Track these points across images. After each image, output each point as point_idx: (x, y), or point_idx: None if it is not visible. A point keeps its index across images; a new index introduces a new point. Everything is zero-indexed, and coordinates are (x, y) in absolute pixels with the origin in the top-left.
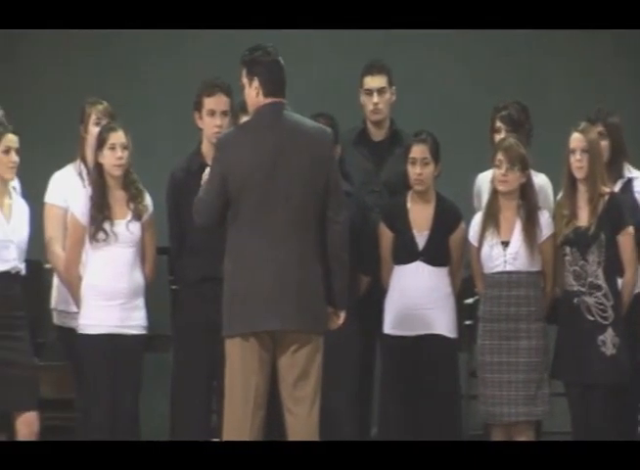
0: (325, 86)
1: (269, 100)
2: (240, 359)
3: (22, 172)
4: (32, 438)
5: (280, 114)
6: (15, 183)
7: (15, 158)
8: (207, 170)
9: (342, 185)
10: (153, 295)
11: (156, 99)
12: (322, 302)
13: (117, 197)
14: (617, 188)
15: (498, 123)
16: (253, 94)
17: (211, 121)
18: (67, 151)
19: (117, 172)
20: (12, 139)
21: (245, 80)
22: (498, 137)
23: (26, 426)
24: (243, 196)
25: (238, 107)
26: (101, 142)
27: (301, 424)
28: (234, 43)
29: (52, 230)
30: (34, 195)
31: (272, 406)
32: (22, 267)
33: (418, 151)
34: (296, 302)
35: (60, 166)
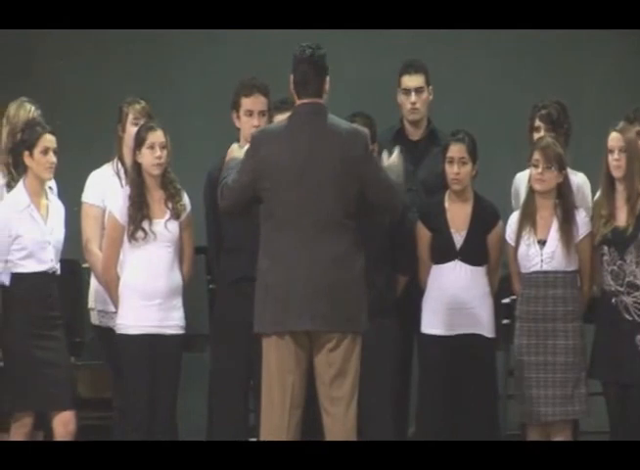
0: (362, 86)
1: (306, 100)
2: (276, 358)
3: (56, 172)
4: (69, 437)
5: (315, 114)
6: (51, 183)
7: (53, 158)
8: (234, 154)
9: (387, 177)
10: (190, 294)
11: (192, 98)
12: (357, 302)
13: (156, 196)
14: None
15: (537, 122)
16: (293, 91)
17: (249, 121)
18: (100, 151)
19: (156, 172)
20: (50, 139)
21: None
22: (536, 136)
23: (63, 425)
24: (275, 195)
25: (274, 106)
26: (139, 141)
27: (338, 424)
28: (269, 43)
29: (89, 230)
30: (69, 195)
31: (310, 406)
32: (57, 267)
33: (455, 150)
34: (330, 302)
35: (93, 167)
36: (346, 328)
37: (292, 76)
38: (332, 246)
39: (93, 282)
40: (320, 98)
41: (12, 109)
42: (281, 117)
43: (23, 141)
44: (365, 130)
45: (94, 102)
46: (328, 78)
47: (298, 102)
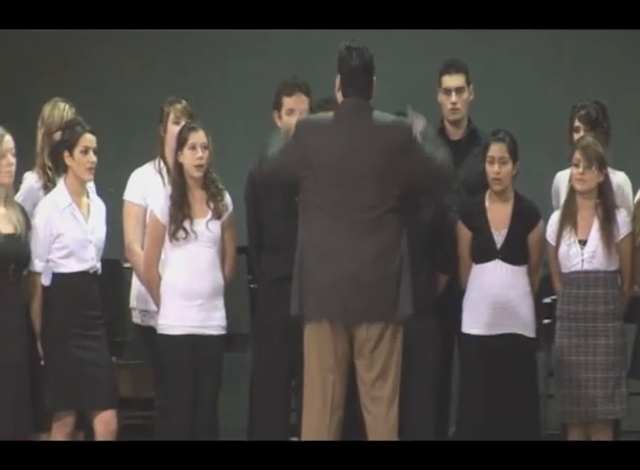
0: (403, 86)
1: (350, 98)
2: (317, 356)
3: (96, 171)
4: (110, 437)
5: (360, 109)
6: (91, 182)
7: (93, 158)
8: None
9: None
10: (231, 294)
11: (233, 98)
12: (398, 294)
13: (197, 196)
14: None
15: (577, 123)
16: (337, 89)
17: (290, 120)
18: (141, 150)
19: (198, 173)
20: (90, 139)
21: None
22: (577, 136)
23: (104, 425)
24: (315, 185)
25: (314, 104)
26: (181, 142)
27: (380, 424)
28: (311, 42)
29: (131, 228)
30: (108, 193)
31: (351, 405)
32: (99, 267)
33: (496, 150)
34: (371, 297)
35: (132, 166)
36: (388, 319)
37: (338, 76)
38: (375, 240)
39: (135, 281)
40: (367, 99)
41: (46, 110)
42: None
43: (64, 141)
44: (408, 121)
45: (136, 101)
46: (375, 80)
47: (345, 99)
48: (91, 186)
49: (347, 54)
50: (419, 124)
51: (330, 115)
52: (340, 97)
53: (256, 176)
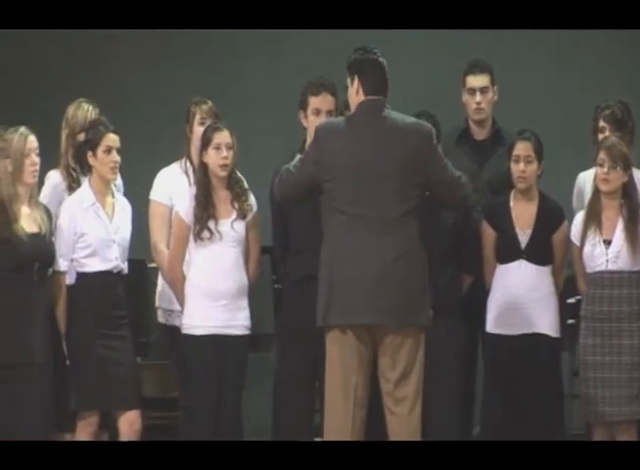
0: (427, 85)
1: (369, 98)
2: (339, 358)
3: (122, 170)
4: (134, 436)
5: (378, 110)
6: (118, 182)
7: (116, 157)
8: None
9: (452, 170)
10: (256, 294)
11: (259, 98)
12: (420, 297)
13: (222, 196)
14: None
15: (601, 123)
16: (354, 93)
17: (316, 120)
18: (167, 150)
19: (222, 173)
20: (113, 139)
21: (348, 80)
22: (601, 136)
23: (128, 425)
24: (337, 188)
25: (342, 106)
26: (206, 142)
27: (402, 424)
28: (336, 42)
29: (156, 228)
30: (134, 193)
31: (374, 406)
32: (124, 267)
33: (522, 149)
34: (394, 297)
35: (158, 166)
36: (412, 322)
37: (355, 79)
38: (399, 241)
39: (160, 281)
40: (385, 96)
41: (70, 110)
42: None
43: (87, 141)
44: (429, 124)
45: (161, 102)
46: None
47: (364, 99)
48: (118, 186)
49: (361, 56)
50: None
51: (347, 116)
52: (356, 100)
53: (278, 192)
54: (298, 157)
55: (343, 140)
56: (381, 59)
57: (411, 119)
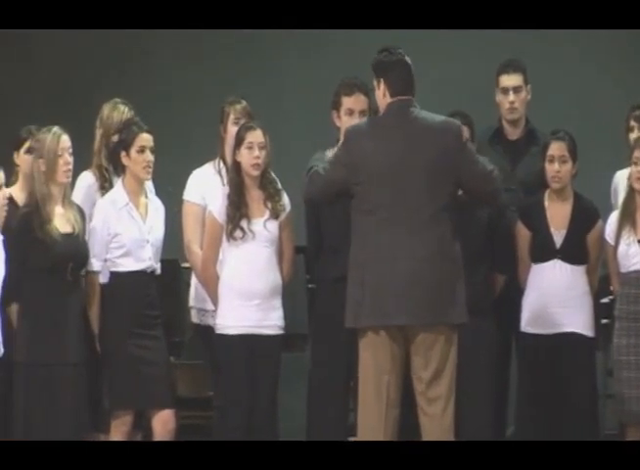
0: (461, 85)
1: (397, 98)
2: (372, 357)
3: (156, 171)
4: (168, 436)
5: (407, 110)
6: (150, 182)
7: (150, 157)
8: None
9: (483, 166)
10: (290, 294)
11: (293, 99)
12: (453, 296)
13: (255, 196)
14: None
15: (632, 122)
16: (381, 95)
17: (350, 121)
18: (201, 150)
19: (255, 173)
20: (146, 138)
21: (374, 82)
22: (632, 136)
23: (162, 424)
24: (368, 189)
25: (374, 105)
26: (239, 141)
27: (435, 424)
28: (369, 43)
29: (190, 228)
30: (168, 193)
31: (407, 405)
32: (157, 267)
33: (556, 148)
34: (425, 297)
35: (192, 166)
36: (441, 321)
37: (380, 81)
38: (431, 240)
39: (193, 281)
40: (412, 95)
41: (105, 110)
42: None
43: (121, 141)
44: (458, 121)
45: (195, 101)
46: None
47: (393, 99)
48: (150, 186)
49: (385, 57)
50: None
51: (378, 117)
52: (384, 102)
53: (308, 194)
54: (328, 158)
55: (373, 142)
56: (405, 58)
57: (440, 118)
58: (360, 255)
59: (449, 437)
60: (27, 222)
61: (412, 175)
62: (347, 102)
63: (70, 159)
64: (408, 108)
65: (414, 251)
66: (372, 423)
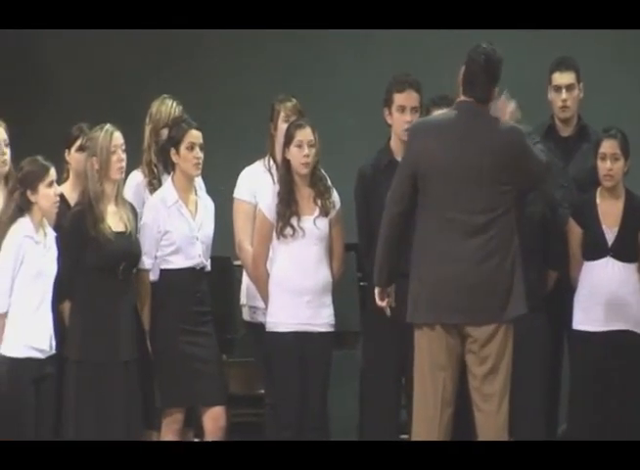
0: (513, 84)
1: (466, 98)
2: (428, 355)
3: (207, 169)
4: (219, 433)
5: (474, 112)
6: (200, 180)
7: (199, 154)
8: None
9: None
10: (341, 291)
11: (344, 96)
12: (510, 294)
13: (305, 193)
14: None
15: None
16: (460, 84)
17: (401, 117)
18: (252, 148)
19: (304, 171)
20: (196, 135)
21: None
22: None
23: (214, 421)
24: (429, 187)
25: (430, 102)
26: (288, 139)
27: (490, 421)
28: (420, 41)
29: (240, 226)
30: (219, 191)
31: (460, 404)
32: (207, 264)
33: (608, 146)
34: (482, 298)
35: (244, 164)
36: (496, 320)
37: (462, 69)
38: (489, 239)
39: (245, 278)
40: (484, 104)
41: (154, 106)
42: (438, 113)
43: (170, 138)
44: (522, 127)
45: (245, 99)
46: (497, 88)
47: (461, 98)
48: (200, 184)
49: (475, 52)
50: (511, 105)
51: (442, 114)
52: (459, 93)
53: (387, 212)
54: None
55: (436, 139)
56: (490, 59)
57: (505, 122)
58: (419, 252)
59: (503, 434)
60: (80, 221)
61: (474, 176)
62: (399, 98)
63: (124, 156)
64: (476, 110)
65: (470, 252)
66: (427, 421)
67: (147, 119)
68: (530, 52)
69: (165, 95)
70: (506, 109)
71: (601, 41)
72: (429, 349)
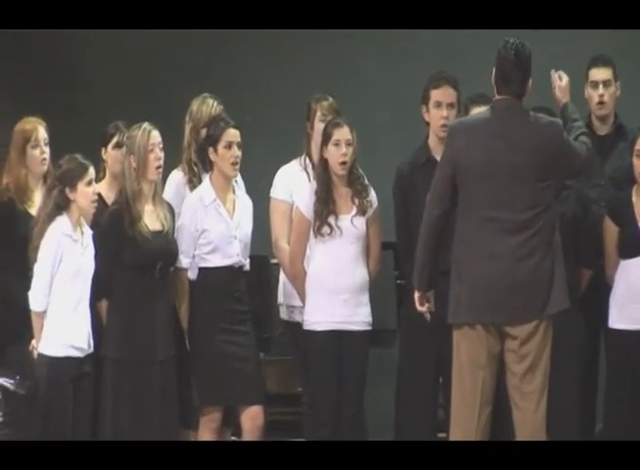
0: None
1: (502, 96)
2: (467, 353)
3: (245, 168)
4: (257, 432)
5: (512, 110)
6: (240, 179)
7: (237, 152)
8: None
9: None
10: (378, 290)
11: (381, 94)
12: (550, 291)
13: (342, 192)
14: None
15: None
16: (493, 85)
17: (438, 113)
18: (288, 146)
19: (341, 171)
20: (234, 134)
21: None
22: None
23: (251, 420)
24: (469, 186)
25: (468, 100)
26: (326, 138)
27: (528, 419)
28: (454, 40)
29: (277, 225)
30: (257, 190)
31: (498, 404)
32: (245, 263)
33: None
34: (522, 297)
35: (280, 163)
36: (537, 318)
37: (494, 70)
38: (528, 239)
39: (282, 277)
40: (520, 99)
41: (194, 105)
42: (477, 111)
43: (208, 137)
44: (561, 123)
45: (282, 98)
46: (531, 80)
47: (497, 97)
48: (240, 183)
49: (504, 49)
50: (564, 78)
51: (481, 113)
52: (494, 92)
53: (427, 213)
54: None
55: (475, 137)
56: (520, 54)
57: (543, 118)
58: (459, 251)
59: (542, 433)
60: (117, 220)
61: (515, 175)
62: (435, 94)
63: (161, 154)
64: (514, 107)
65: (512, 249)
66: (465, 419)
67: (187, 118)
68: (567, 54)
69: (206, 94)
70: (560, 84)
71: (638, 41)
72: (469, 348)
